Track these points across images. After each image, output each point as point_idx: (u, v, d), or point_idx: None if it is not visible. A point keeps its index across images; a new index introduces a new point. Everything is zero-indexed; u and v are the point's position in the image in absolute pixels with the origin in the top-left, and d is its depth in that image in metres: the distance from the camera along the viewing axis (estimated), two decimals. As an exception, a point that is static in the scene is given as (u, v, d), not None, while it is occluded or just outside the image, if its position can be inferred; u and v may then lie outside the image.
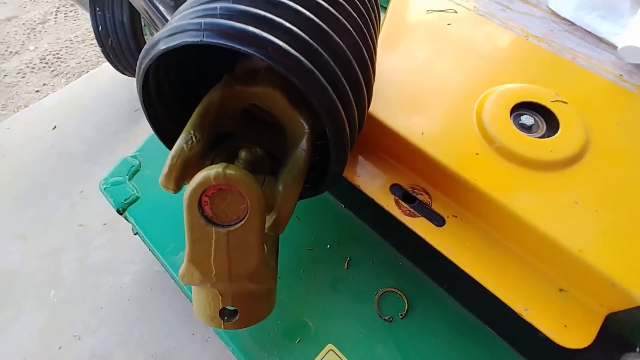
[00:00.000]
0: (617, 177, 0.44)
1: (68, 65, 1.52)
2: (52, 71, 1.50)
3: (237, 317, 0.41)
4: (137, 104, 1.32)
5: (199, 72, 0.48)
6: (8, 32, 1.69)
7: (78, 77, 1.46)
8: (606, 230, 0.41)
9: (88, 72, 1.48)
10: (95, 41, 1.66)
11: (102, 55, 1.58)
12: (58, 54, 1.58)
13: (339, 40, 0.34)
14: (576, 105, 0.49)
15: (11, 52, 1.61)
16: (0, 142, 1.19)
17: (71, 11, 1.79)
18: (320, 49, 0.32)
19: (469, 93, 0.51)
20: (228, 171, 0.32)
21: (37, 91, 1.43)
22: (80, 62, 1.53)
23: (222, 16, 0.32)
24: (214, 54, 0.47)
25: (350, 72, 0.36)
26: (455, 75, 0.53)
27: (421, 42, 0.57)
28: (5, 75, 1.50)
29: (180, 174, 0.37)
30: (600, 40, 0.57)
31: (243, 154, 0.39)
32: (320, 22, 0.33)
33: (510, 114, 0.49)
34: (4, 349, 0.80)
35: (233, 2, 0.33)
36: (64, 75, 1.49)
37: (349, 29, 0.36)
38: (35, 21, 1.73)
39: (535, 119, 0.49)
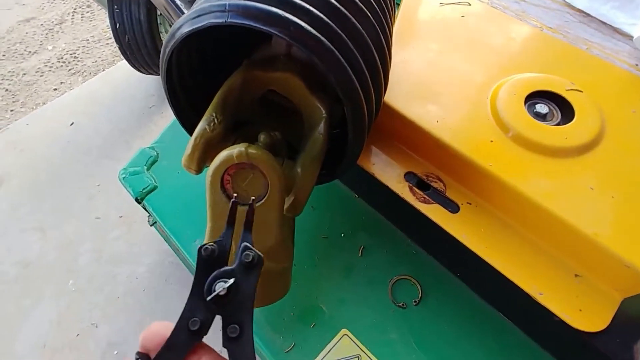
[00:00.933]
0: (632, 164, 0.44)
1: (85, 64, 1.56)
2: (70, 70, 1.54)
3: None
4: (152, 101, 1.35)
5: (218, 61, 0.50)
6: (27, 33, 1.74)
7: (94, 76, 1.50)
8: (621, 215, 0.41)
9: (104, 70, 1.51)
10: (110, 41, 1.70)
11: (117, 54, 1.63)
12: (75, 53, 1.62)
13: (357, 24, 0.35)
14: (591, 94, 0.49)
15: (30, 51, 1.65)
16: (19, 138, 1.23)
17: (87, 12, 1.83)
18: (339, 31, 0.33)
19: (483, 82, 0.52)
20: (250, 150, 0.33)
21: (55, 89, 1.47)
22: (96, 61, 1.57)
23: (245, -2, 0.33)
24: (232, 42, 0.48)
25: (368, 55, 0.36)
26: (469, 66, 0.54)
27: (435, 33, 0.58)
28: (25, 74, 1.54)
29: (202, 155, 0.38)
30: (616, 30, 0.57)
31: (262, 137, 0.40)
32: (340, 6, 0.34)
33: (525, 103, 0.49)
34: (25, 335, 0.82)
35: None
36: (81, 73, 1.53)
37: (367, 14, 0.37)
38: (53, 22, 1.78)
39: (550, 108, 0.49)
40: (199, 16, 0.33)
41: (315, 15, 0.32)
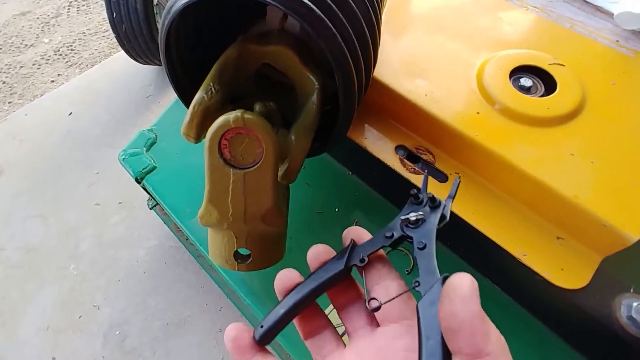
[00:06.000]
0: (612, 132, 0.46)
1: (81, 57, 1.57)
2: (66, 62, 1.55)
3: (250, 260, 0.44)
4: (149, 90, 1.37)
5: (214, 37, 0.51)
6: (23, 26, 1.75)
7: (91, 68, 1.51)
8: (600, 178, 0.43)
9: (101, 62, 1.52)
10: (107, 33, 1.71)
11: (113, 46, 1.64)
12: (71, 46, 1.62)
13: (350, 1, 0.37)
14: (573, 68, 0.51)
15: (26, 45, 1.66)
16: (19, 128, 1.24)
17: (83, 5, 1.83)
18: (330, 2, 0.35)
19: (469, 58, 0.54)
20: (246, 115, 0.35)
21: (52, 81, 1.48)
22: (93, 54, 1.58)
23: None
24: (228, 18, 0.50)
25: (357, 26, 0.38)
26: (457, 43, 0.56)
27: (423, 10, 0.60)
28: (22, 67, 1.55)
29: (201, 122, 0.40)
30: (597, 9, 0.59)
31: (257, 107, 0.42)
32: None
33: (510, 77, 0.51)
34: (29, 318, 0.84)
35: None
36: (78, 65, 1.53)
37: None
38: (49, 15, 1.78)
39: (533, 81, 0.51)
40: (197, -14, 0.35)
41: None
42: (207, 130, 0.41)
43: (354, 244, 0.29)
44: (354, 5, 0.38)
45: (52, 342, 0.81)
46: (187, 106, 0.49)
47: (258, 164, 0.37)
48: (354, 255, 0.28)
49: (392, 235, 0.28)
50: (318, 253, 0.29)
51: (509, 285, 0.52)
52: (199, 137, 0.41)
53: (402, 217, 0.28)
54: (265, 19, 0.46)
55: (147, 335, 0.81)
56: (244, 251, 0.43)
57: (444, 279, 0.23)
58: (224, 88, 0.41)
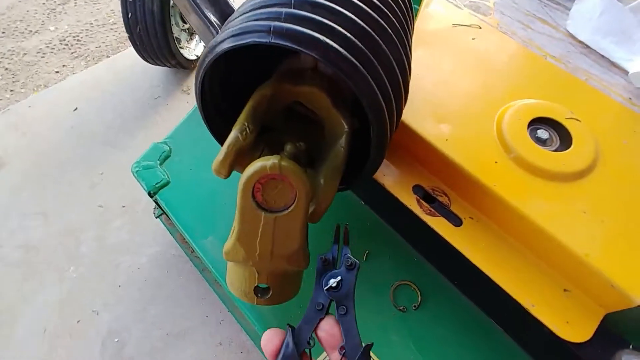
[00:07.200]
0: (622, 192, 0.49)
1: (88, 49, 1.55)
2: (72, 53, 1.53)
3: (269, 294, 0.45)
4: (157, 92, 1.36)
5: (245, 72, 0.52)
6: (28, 11, 1.71)
7: (98, 61, 1.49)
8: (610, 238, 0.45)
9: (108, 56, 1.50)
10: (115, 26, 1.69)
11: (121, 40, 1.62)
12: (78, 36, 1.60)
13: (386, 50, 0.38)
14: (588, 123, 0.53)
15: (31, 31, 1.63)
16: (22, 120, 1.22)
17: (91, -6, 1.81)
18: (372, 58, 0.36)
19: (490, 105, 0.55)
20: (283, 163, 0.36)
21: (57, 72, 1.46)
22: (100, 46, 1.56)
23: (286, 20, 0.35)
24: (261, 56, 0.50)
25: (393, 79, 0.40)
26: (479, 87, 0.57)
27: (448, 54, 0.61)
28: (25, 54, 1.52)
29: (233, 161, 0.40)
30: (613, 64, 0.61)
31: (288, 147, 0.43)
32: (373, 33, 0.37)
33: (528, 127, 0.53)
34: (26, 320, 0.84)
35: (296, 8, 0.36)
36: (84, 58, 1.51)
37: (395, 41, 0.40)
38: (55, 2, 1.75)
39: (550, 134, 0.53)
40: (242, 34, 0.35)
41: (352, 42, 0.35)
42: (238, 167, 0.42)
43: (292, 328, 0.32)
44: (391, 57, 0.40)
45: (49, 347, 0.81)
46: (213, 132, 0.50)
47: (289, 209, 0.38)
48: (300, 340, 0.31)
49: (322, 307, 0.33)
50: (267, 341, 0.32)
51: (516, 332, 0.54)
52: (229, 174, 0.42)
53: (325, 288, 0.33)
54: (300, 56, 0.47)
55: (146, 345, 0.81)
56: (263, 285, 0.44)
57: (366, 348, 0.28)
58: (257, 126, 0.42)
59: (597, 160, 0.51)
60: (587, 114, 0.55)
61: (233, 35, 0.37)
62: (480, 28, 0.66)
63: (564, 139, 0.53)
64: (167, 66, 1.27)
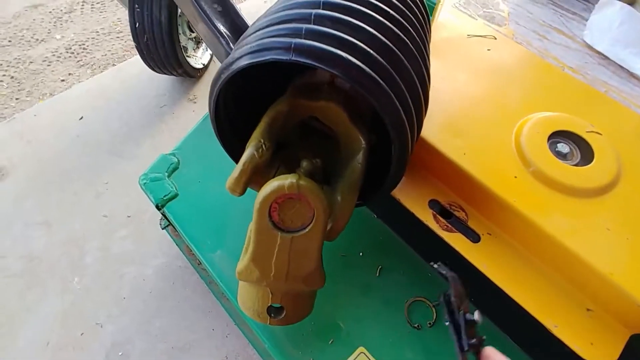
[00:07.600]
0: (647, 208, 0.47)
1: (94, 57, 1.55)
2: (78, 61, 1.53)
3: (283, 315, 0.43)
4: (163, 100, 1.35)
5: (254, 89, 0.51)
6: (34, 20, 1.72)
7: (104, 69, 1.49)
8: (636, 256, 0.44)
9: (114, 65, 1.50)
10: (121, 34, 1.69)
11: (127, 48, 1.62)
12: (84, 44, 1.60)
13: (408, 65, 0.37)
14: (610, 137, 0.52)
15: (37, 39, 1.63)
16: (27, 129, 1.22)
17: (98, 3, 1.81)
18: (393, 73, 0.35)
19: (508, 118, 0.54)
20: (301, 182, 0.35)
21: (63, 80, 1.45)
22: (106, 55, 1.56)
23: (306, 37, 0.34)
24: (271, 71, 0.49)
25: (414, 93, 0.38)
26: (496, 100, 0.56)
27: (463, 65, 0.60)
28: (31, 62, 1.52)
29: (248, 179, 0.39)
30: (632, 75, 0.60)
31: (305, 164, 0.41)
32: (394, 48, 0.36)
33: (547, 141, 0.52)
34: (29, 332, 0.82)
35: (315, 24, 0.35)
36: (90, 66, 1.51)
37: (415, 54, 0.39)
38: (62, 10, 1.76)
39: (570, 148, 0.52)
40: (261, 50, 0.34)
41: (374, 58, 0.34)
42: (253, 184, 0.41)
43: None
44: (412, 72, 0.38)
45: (51, 359, 0.79)
46: (226, 148, 0.49)
47: (307, 229, 0.37)
48: None
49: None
50: None
51: (536, 352, 0.52)
52: (244, 192, 0.40)
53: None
54: (316, 71, 0.46)
55: (151, 358, 0.80)
56: (276, 304, 0.43)
57: None
58: (272, 143, 0.41)
59: (620, 175, 0.49)
60: (608, 127, 0.53)
61: (251, 52, 0.36)
62: (496, 39, 0.65)
63: (585, 153, 0.51)
64: (174, 75, 1.26)
